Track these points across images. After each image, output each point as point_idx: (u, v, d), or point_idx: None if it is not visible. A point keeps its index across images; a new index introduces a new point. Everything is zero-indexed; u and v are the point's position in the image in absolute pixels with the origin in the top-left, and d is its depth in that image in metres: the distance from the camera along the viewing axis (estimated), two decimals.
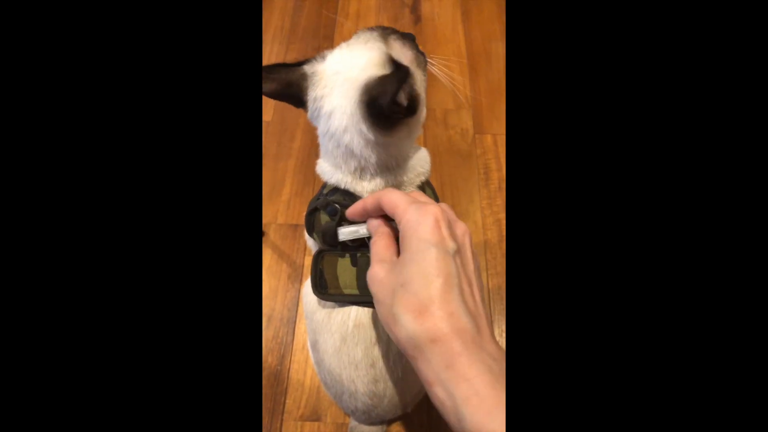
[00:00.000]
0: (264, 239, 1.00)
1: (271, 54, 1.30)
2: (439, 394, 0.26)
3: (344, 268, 0.45)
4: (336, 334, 0.50)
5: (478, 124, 1.16)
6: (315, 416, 0.83)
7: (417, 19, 1.38)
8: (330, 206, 0.44)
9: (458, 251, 0.29)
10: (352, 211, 0.39)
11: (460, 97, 1.18)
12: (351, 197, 0.46)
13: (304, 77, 0.46)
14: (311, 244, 0.54)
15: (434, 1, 1.42)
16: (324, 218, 0.46)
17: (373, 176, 0.46)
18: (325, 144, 0.47)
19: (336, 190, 0.47)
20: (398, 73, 0.41)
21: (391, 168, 0.46)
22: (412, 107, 0.43)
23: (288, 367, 0.87)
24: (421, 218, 0.29)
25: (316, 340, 0.53)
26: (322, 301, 0.49)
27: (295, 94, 0.47)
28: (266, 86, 0.46)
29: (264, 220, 1.03)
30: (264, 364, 0.87)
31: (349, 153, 0.44)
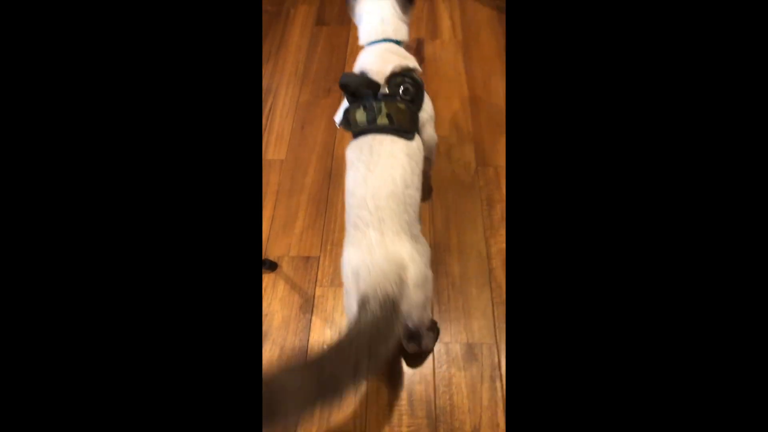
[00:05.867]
0: (277, 271, 1.06)
1: (286, 95, 1.40)
2: None
3: (360, 114, 0.80)
4: (361, 165, 0.76)
5: (480, 157, 1.21)
6: None
7: (421, 60, 1.47)
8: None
9: None
10: None
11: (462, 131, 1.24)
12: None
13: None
14: (338, 120, 0.86)
15: (437, 44, 1.51)
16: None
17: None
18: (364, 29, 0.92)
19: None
20: None
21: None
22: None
23: None
24: None
25: (347, 177, 0.78)
26: (352, 146, 0.80)
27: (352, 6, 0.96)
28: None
29: (277, 253, 1.09)
30: None
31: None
